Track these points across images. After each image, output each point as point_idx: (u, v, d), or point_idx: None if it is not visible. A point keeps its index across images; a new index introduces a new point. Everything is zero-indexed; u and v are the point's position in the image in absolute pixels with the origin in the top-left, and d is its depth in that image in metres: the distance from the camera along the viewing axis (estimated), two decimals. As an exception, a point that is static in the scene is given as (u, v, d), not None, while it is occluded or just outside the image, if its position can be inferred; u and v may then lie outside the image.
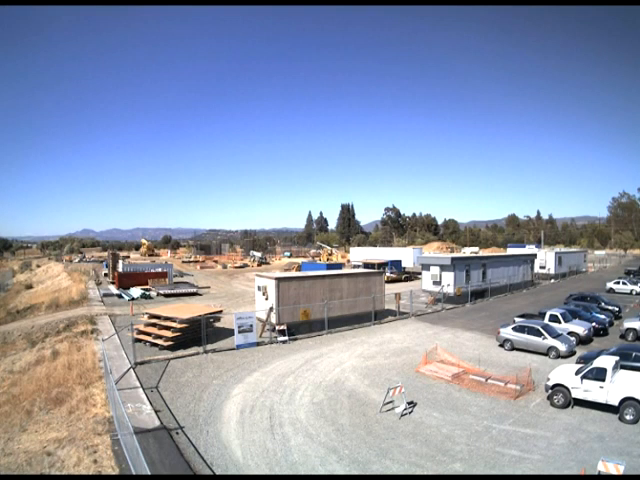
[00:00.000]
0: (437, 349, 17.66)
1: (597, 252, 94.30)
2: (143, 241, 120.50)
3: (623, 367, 13.23)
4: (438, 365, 16.18)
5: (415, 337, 21.30)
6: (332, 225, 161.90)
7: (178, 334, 19.13)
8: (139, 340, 19.50)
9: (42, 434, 11.12)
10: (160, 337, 19.24)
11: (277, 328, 20.64)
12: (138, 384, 14.53)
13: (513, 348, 18.51)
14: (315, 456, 9.99)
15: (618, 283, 36.56)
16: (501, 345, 19.04)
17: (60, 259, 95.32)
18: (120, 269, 46.23)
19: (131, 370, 15.99)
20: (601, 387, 11.97)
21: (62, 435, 10.89)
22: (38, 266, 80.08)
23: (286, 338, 20.40)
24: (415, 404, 12.89)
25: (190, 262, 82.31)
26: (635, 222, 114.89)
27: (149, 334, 19.84)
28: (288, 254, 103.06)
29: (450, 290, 30.25)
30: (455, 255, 47.67)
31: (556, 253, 49.13)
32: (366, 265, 44.80)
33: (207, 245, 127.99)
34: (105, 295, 36.91)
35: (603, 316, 22.51)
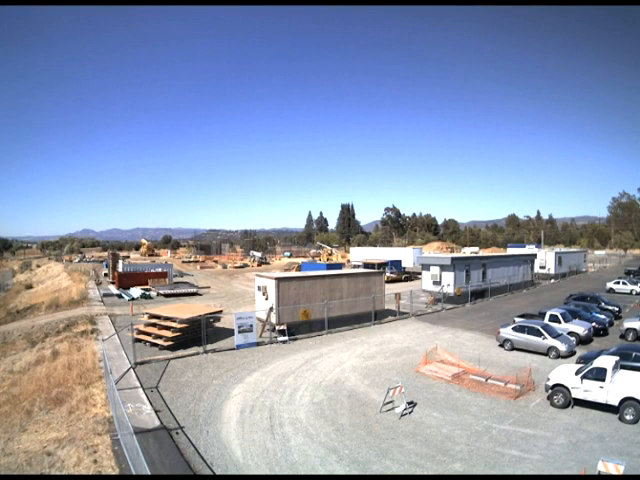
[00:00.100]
0: (437, 349, 17.66)
1: (597, 252, 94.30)
2: (143, 241, 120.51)
3: (623, 367, 13.23)
4: (438, 365, 16.18)
5: (415, 337, 21.30)
6: (332, 225, 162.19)
7: (178, 334, 19.13)
8: (139, 340, 19.50)
9: (42, 434, 11.12)
10: (160, 337, 19.24)
11: (277, 328, 20.64)
12: (138, 384, 14.53)
13: (513, 348, 18.51)
14: (315, 456, 9.99)
15: (618, 283, 36.55)
16: (501, 345, 19.04)
17: (60, 259, 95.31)
18: (120, 269, 46.23)
19: (131, 370, 15.99)
20: (601, 387, 11.97)
21: (62, 435, 10.89)
22: (38, 266, 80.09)
23: (286, 338, 20.40)
24: (415, 404, 12.89)
25: (190, 262, 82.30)
26: (635, 222, 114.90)
27: (149, 334, 19.84)
28: (288, 254, 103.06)
29: (450, 290, 30.25)
30: (455, 255, 47.66)
31: (556, 253, 49.13)
32: (366, 265, 44.79)
33: (207, 245, 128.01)
34: (105, 295, 36.91)
35: (603, 316, 22.51)
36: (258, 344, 19.71)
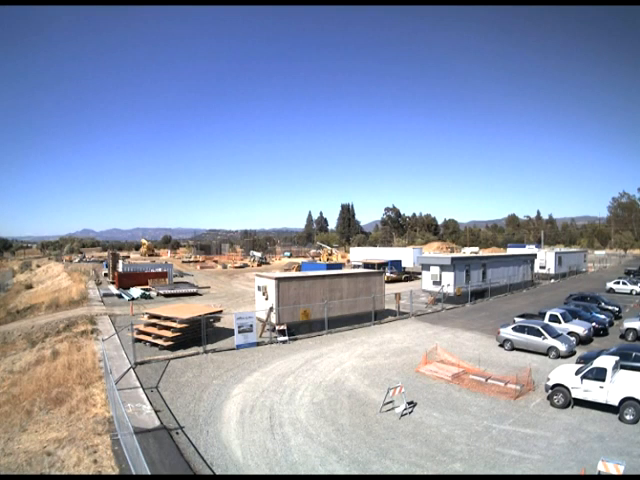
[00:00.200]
0: (437, 349, 17.66)
1: (597, 252, 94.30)
2: (143, 241, 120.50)
3: (623, 367, 13.23)
4: (438, 365, 16.18)
5: (415, 337, 21.30)
6: (332, 225, 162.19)
7: (178, 334, 19.13)
8: (139, 340, 19.50)
9: (42, 434, 11.12)
10: (160, 337, 19.24)
11: (277, 328, 20.64)
12: (138, 384, 14.53)
13: (513, 348, 18.51)
14: (315, 456, 9.99)
15: (618, 283, 36.56)
16: (501, 345, 19.04)
17: (60, 259, 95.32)
18: (120, 269, 46.23)
19: (131, 370, 15.99)
20: (601, 387, 11.97)
21: (62, 435, 10.89)
22: (38, 266, 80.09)
23: (286, 338, 20.40)
24: (415, 404, 12.89)
25: (190, 262, 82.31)
26: (635, 222, 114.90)
27: (149, 334, 19.84)
28: (288, 254, 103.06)
29: (450, 290, 30.25)
30: (455, 255, 47.66)
31: (556, 253, 49.13)
32: (366, 265, 44.79)
33: (207, 245, 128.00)
34: (105, 295, 36.91)
35: (603, 316, 22.51)
36: (258, 344, 19.71)
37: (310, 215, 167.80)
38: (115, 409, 11.42)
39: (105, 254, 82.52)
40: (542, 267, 46.54)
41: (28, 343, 22.22)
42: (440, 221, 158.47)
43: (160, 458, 9.65)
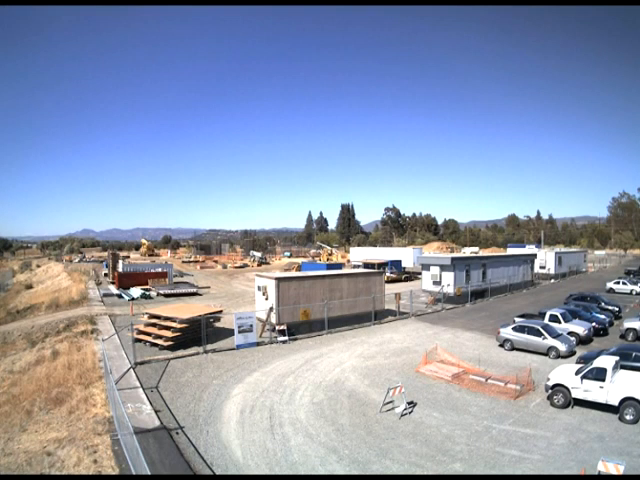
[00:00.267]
0: (437, 349, 17.66)
1: (597, 252, 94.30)
2: (143, 241, 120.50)
3: (623, 367, 13.23)
4: (438, 365, 16.18)
5: (415, 337, 21.30)
6: (332, 225, 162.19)
7: (178, 334, 19.13)
8: (139, 340, 19.50)
9: (42, 434, 11.12)
10: (160, 337, 19.24)
11: (277, 328, 20.64)
12: (138, 384, 14.53)
13: (513, 348, 18.51)
14: (315, 456, 9.99)
15: (618, 283, 36.56)
16: (501, 345, 19.04)
17: (60, 259, 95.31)
18: (120, 269, 46.23)
19: (131, 370, 15.99)
20: (601, 387, 11.97)
21: (62, 435, 10.89)
22: (38, 266, 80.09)
23: (286, 338, 20.40)
24: (415, 404, 12.89)
25: (190, 262, 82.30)
26: (635, 222, 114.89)
27: (149, 334, 19.84)
28: (288, 254, 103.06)
29: (450, 290, 30.24)
30: (455, 255, 47.66)
31: (556, 253, 49.13)
32: (366, 265, 44.79)
33: (207, 245, 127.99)
34: (105, 295, 36.91)
35: (603, 316, 22.51)
36: (258, 344, 19.71)
37: (310, 215, 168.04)
38: (115, 409, 11.42)
39: (105, 254, 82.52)
40: (542, 267, 46.54)
41: (28, 343, 22.22)
42: (440, 221, 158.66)
43: (160, 458, 9.65)
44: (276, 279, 21.52)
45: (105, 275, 53.60)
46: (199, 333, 18.88)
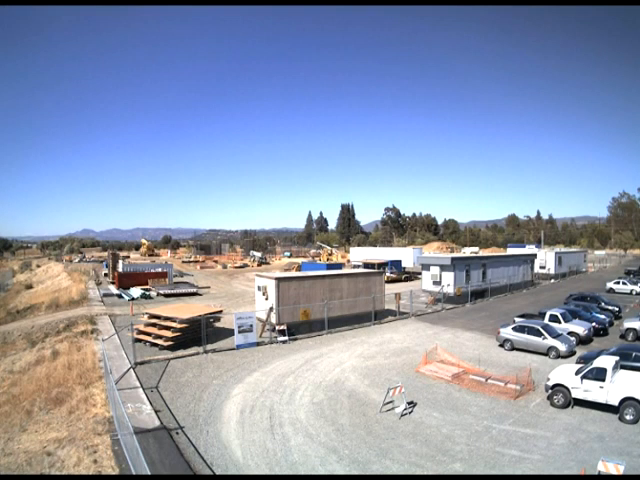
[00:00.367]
0: (437, 349, 17.66)
1: (597, 252, 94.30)
2: (143, 241, 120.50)
3: (623, 367, 13.23)
4: (438, 365, 16.18)
5: (415, 337, 21.30)
6: (332, 225, 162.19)
7: (178, 334, 19.13)
8: (139, 340, 19.50)
9: (42, 434, 11.12)
10: (160, 337, 19.24)
11: (277, 328, 20.64)
12: (138, 384, 14.53)
13: (513, 348, 18.51)
14: (315, 456, 9.99)
15: (618, 283, 36.55)
16: (501, 345, 19.04)
17: (60, 259, 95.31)
18: (120, 269, 46.23)
19: (131, 370, 15.99)
20: (601, 387, 11.97)
21: (62, 435, 10.89)
22: (38, 266, 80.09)
23: (286, 338, 20.40)
24: (415, 404, 12.89)
25: (190, 262, 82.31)
26: (635, 222, 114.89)
27: (149, 334, 19.84)
28: (288, 254, 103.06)
29: (450, 290, 30.24)
30: (455, 255, 47.67)
31: (556, 253, 49.13)
32: (366, 265, 44.79)
33: (207, 245, 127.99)
34: (105, 295, 36.91)
35: (603, 316, 22.51)
36: (258, 344, 19.71)
37: (310, 215, 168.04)
38: (115, 409, 11.42)
39: (105, 254, 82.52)
40: (542, 267, 46.54)
41: (28, 343, 22.22)
42: (440, 221, 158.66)
43: (160, 458, 9.65)
44: (276, 279, 21.52)
45: (105, 275, 53.60)
46: (199, 333, 18.88)
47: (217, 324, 22.24)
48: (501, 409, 12.54)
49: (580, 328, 19.64)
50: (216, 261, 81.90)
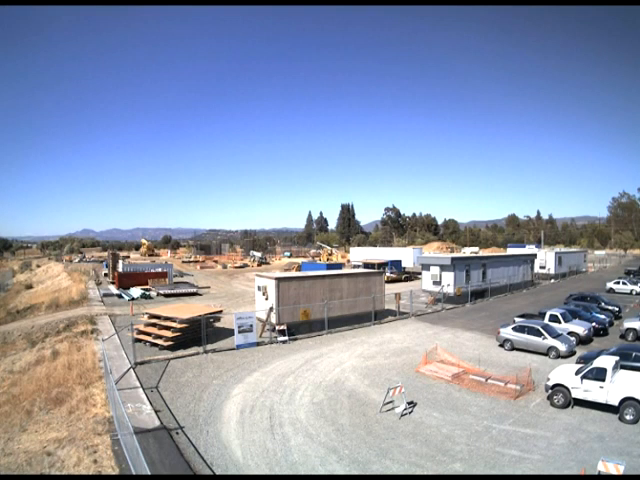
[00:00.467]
0: (437, 349, 17.66)
1: (597, 252, 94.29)
2: (143, 241, 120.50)
3: (623, 367, 13.23)
4: (438, 365, 16.18)
5: (415, 337, 21.30)
6: (332, 225, 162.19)
7: (178, 334, 19.13)
8: (139, 340, 19.50)
9: (42, 434, 11.12)
10: (160, 337, 19.24)
11: (277, 328, 20.64)
12: (138, 384, 14.53)
13: (513, 348, 18.51)
14: (315, 456, 9.99)
15: (618, 283, 36.55)
16: (501, 345, 19.04)
17: (60, 259, 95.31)
18: (120, 269, 46.23)
19: (131, 370, 15.99)
20: (601, 387, 11.97)
21: (62, 435, 10.89)
22: (38, 266, 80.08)
23: (286, 338, 20.40)
24: (415, 404, 12.89)
25: (190, 262, 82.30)
26: (635, 222, 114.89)
27: (149, 334, 19.84)
28: (288, 254, 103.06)
29: (450, 290, 30.24)
30: (455, 255, 47.66)
31: (556, 253, 49.13)
32: (366, 265, 44.79)
33: (207, 245, 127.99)
34: (105, 295, 36.91)
35: (603, 316, 22.51)
36: (258, 344, 19.71)
37: (310, 215, 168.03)
38: (115, 409, 11.42)
39: (105, 254, 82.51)
40: (542, 267, 46.54)
41: (28, 343, 22.22)
42: (440, 221, 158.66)
43: (160, 458, 9.65)
44: (276, 279, 21.52)
45: (105, 275, 53.59)
46: (199, 333, 18.88)
47: (217, 324, 22.24)
48: (501, 409, 12.54)
49: (580, 328, 19.64)
50: (216, 261, 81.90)
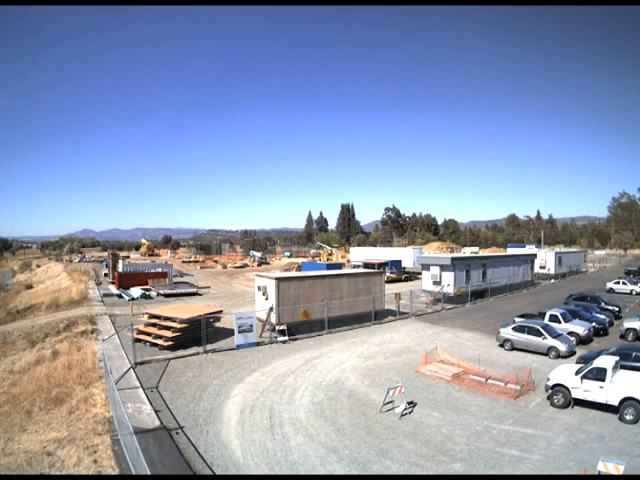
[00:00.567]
0: (437, 349, 17.66)
1: (597, 252, 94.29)
2: (143, 241, 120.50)
3: (623, 367, 13.23)
4: (438, 365, 16.18)
5: (415, 337, 21.30)
6: (332, 225, 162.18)
7: (178, 334, 19.12)
8: (139, 340, 19.50)
9: (42, 434, 11.12)
10: (160, 337, 19.24)
11: (277, 328, 20.64)
12: (138, 384, 14.53)
13: (513, 348, 18.51)
14: (315, 456, 9.99)
15: (618, 283, 36.55)
16: (501, 345, 19.04)
17: (60, 259, 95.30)
18: (120, 269, 46.23)
19: (131, 370, 15.99)
20: (601, 387, 11.97)
21: (62, 435, 10.89)
22: (38, 266, 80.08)
23: (286, 338, 20.40)
24: (415, 404, 12.89)
25: (190, 262, 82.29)
26: (635, 222, 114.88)
27: (149, 334, 19.84)
28: (288, 254, 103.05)
29: (450, 290, 30.24)
30: (455, 255, 47.66)
31: (556, 253, 49.13)
32: (366, 265, 44.79)
33: (207, 245, 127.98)
34: (105, 295, 36.91)
35: (603, 316, 22.50)
36: (258, 344, 19.71)
37: (310, 215, 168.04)
38: (115, 409, 11.42)
39: (105, 254, 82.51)
40: (542, 267, 46.54)
41: (28, 343, 22.22)
42: (440, 221, 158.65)
43: (160, 458, 9.65)
44: (276, 279, 21.52)
45: (105, 275, 53.59)
46: (199, 333, 18.88)
47: (217, 324, 22.24)
48: (501, 409, 12.54)
49: (580, 328, 19.64)
50: (216, 261, 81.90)
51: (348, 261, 65.83)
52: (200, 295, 37.12)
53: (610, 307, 25.46)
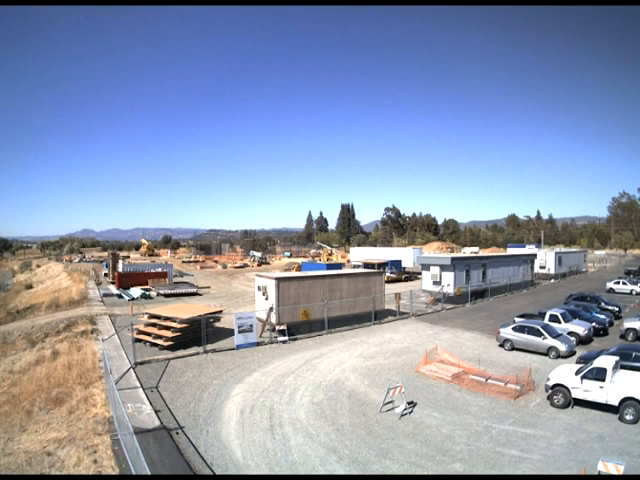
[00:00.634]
0: (437, 349, 17.66)
1: (597, 252, 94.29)
2: (143, 241, 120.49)
3: (623, 367, 13.23)
4: (438, 365, 16.18)
5: (415, 337, 21.30)
6: (332, 225, 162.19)
7: (178, 334, 19.12)
8: (139, 340, 19.50)
9: (42, 434, 11.12)
10: (160, 337, 19.24)
11: (277, 328, 20.64)
12: (138, 384, 14.53)
13: (513, 348, 18.51)
14: (315, 456, 9.99)
15: (618, 283, 36.55)
16: (501, 345, 19.04)
17: (60, 259, 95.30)
18: (120, 269, 46.23)
19: (131, 370, 15.99)
20: (601, 387, 11.97)
21: (62, 435, 10.89)
22: (38, 266, 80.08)
23: (286, 338, 20.40)
24: (415, 404, 12.89)
25: (190, 262, 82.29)
26: (635, 222, 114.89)
27: (149, 334, 19.84)
28: (288, 254, 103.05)
29: (450, 290, 30.24)
30: (455, 255, 47.66)
31: (556, 253, 49.12)
32: (366, 265, 44.79)
33: (207, 245, 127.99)
34: (105, 295, 36.91)
35: (603, 316, 22.50)
36: (258, 344, 19.71)
37: (310, 215, 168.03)
38: (115, 409, 11.42)
39: (105, 254, 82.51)
40: (542, 267, 46.54)
41: (28, 343, 22.22)
42: (440, 221, 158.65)
43: (160, 458, 9.65)
44: (276, 279, 21.52)
45: (105, 275, 53.59)
46: (199, 333, 18.88)
47: (217, 324, 22.24)
48: (501, 409, 12.54)
49: (580, 328, 19.64)
50: (216, 261, 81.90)
51: (348, 261, 65.82)
52: (200, 295, 37.12)
53: (610, 307, 25.46)
